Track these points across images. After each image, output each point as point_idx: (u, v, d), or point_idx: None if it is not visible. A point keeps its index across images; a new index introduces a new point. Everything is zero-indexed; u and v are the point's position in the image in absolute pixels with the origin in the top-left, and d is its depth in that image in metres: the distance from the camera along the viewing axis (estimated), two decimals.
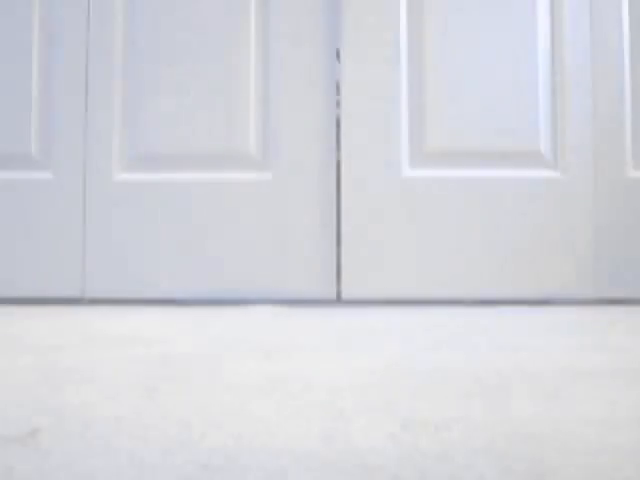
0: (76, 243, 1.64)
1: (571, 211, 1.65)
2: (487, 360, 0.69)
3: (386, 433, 0.38)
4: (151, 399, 0.48)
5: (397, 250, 1.64)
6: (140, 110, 1.64)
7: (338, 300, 1.63)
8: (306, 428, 0.40)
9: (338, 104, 1.67)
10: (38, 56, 1.65)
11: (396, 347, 0.83)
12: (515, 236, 1.64)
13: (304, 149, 1.65)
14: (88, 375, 0.58)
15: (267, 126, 1.65)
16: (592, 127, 1.66)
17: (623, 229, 1.65)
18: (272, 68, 1.67)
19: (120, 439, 0.37)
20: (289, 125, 1.66)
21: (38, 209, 1.63)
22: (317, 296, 1.63)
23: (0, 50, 1.64)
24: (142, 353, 0.73)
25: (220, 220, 1.70)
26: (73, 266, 1.63)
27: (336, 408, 0.45)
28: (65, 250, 1.63)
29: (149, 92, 1.65)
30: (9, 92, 1.63)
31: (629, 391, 0.52)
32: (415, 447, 0.35)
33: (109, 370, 0.61)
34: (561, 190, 1.66)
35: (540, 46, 1.68)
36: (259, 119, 1.66)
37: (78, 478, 0.31)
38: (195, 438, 0.37)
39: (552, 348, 0.80)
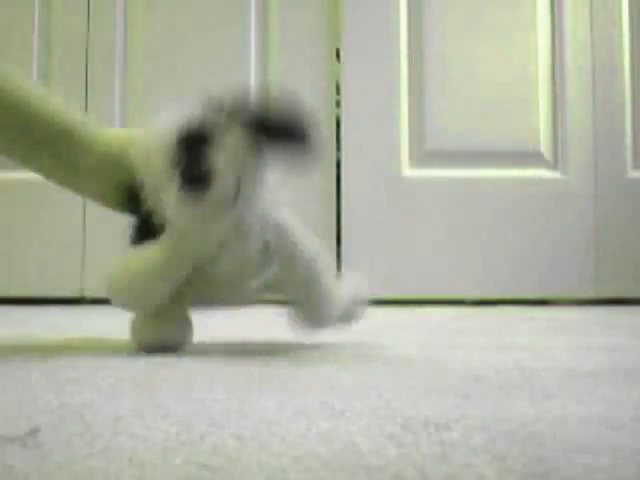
0: (76, 243, 1.64)
1: (571, 211, 1.65)
2: (487, 360, 0.69)
3: (386, 433, 0.38)
4: (151, 399, 0.48)
5: (397, 250, 1.64)
6: (140, 111, 1.64)
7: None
8: (307, 428, 0.40)
9: (338, 104, 1.67)
10: (38, 55, 1.65)
11: (396, 347, 0.83)
12: (515, 236, 1.64)
13: None
14: (88, 375, 0.58)
15: None
16: (592, 127, 1.66)
17: (623, 229, 1.65)
18: (272, 68, 1.67)
19: (120, 439, 0.37)
20: None
21: (39, 209, 1.63)
22: None
23: (0, 50, 1.64)
24: (142, 353, 0.73)
25: None
26: (73, 266, 1.63)
27: (337, 408, 0.45)
28: (65, 250, 1.63)
29: (149, 93, 1.65)
30: None
31: (629, 391, 0.52)
32: (415, 447, 0.35)
33: (109, 370, 0.61)
34: (561, 190, 1.66)
35: (540, 46, 1.67)
36: None
37: (78, 478, 0.31)
38: (195, 438, 0.37)
39: (552, 348, 0.81)
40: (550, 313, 1.38)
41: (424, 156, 1.66)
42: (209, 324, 0.88)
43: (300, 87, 1.66)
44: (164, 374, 0.60)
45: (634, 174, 1.67)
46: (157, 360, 0.68)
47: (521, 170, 1.66)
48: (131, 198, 0.76)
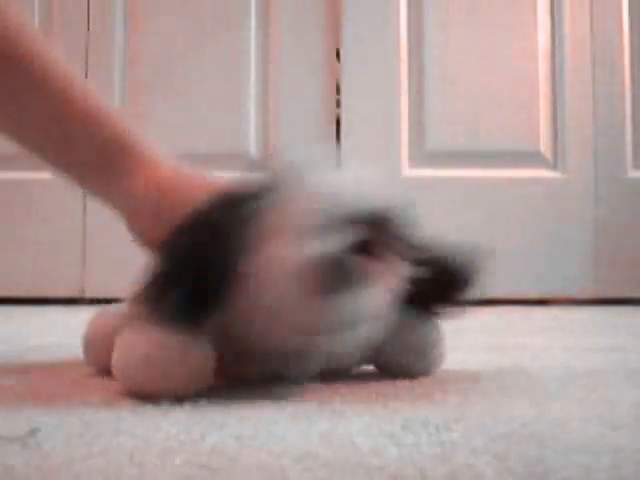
0: (76, 243, 1.64)
1: (571, 211, 1.65)
2: (487, 360, 0.69)
3: (386, 433, 0.38)
4: (151, 399, 0.48)
5: None
6: (139, 111, 1.64)
7: None
8: (307, 428, 0.40)
9: (338, 104, 1.67)
10: None
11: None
12: (515, 236, 1.64)
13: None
14: (88, 375, 0.58)
15: (267, 126, 1.65)
16: (592, 127, 1.66)
17: (623, 229, 1.65)
18: (272, 68, 1.67)
19: (120, 439, 0.37)
20: (289, 125, 1.66)
21: (38, 209, 1.63)
22: None
23: None
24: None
25: None
26: (73, 266, 1.63)
27: (337, 408, 0.45)
28: (65, 250, 1.63)
29: (148, 93, 1.65)
30: None
31: (629, 391, 0.52)
32: (415, 447, 0.35)
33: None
34: (561, 190, 1.66)
35: (540, 46, 1.67)
36: (259, 119, 1.66)
37: (78, 478, 0.31)
38: (195, 438, 0.37)
39: (552, 348, 0.80)
40: (550, 313, 1.38)
41: (424, 156, 1.66)
42: None
43: (300, 87, 1.66)
44: None
45: (634, 174, 1.66)
46: None
47: (521, 170, 1.66)
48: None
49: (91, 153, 0.60)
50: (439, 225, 1.80)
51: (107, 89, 1.64)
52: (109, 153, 0.60)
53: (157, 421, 0.41)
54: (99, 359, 0.58)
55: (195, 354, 0.49)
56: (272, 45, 1.67)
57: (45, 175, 1.66)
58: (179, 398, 0.47)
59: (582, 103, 1.66)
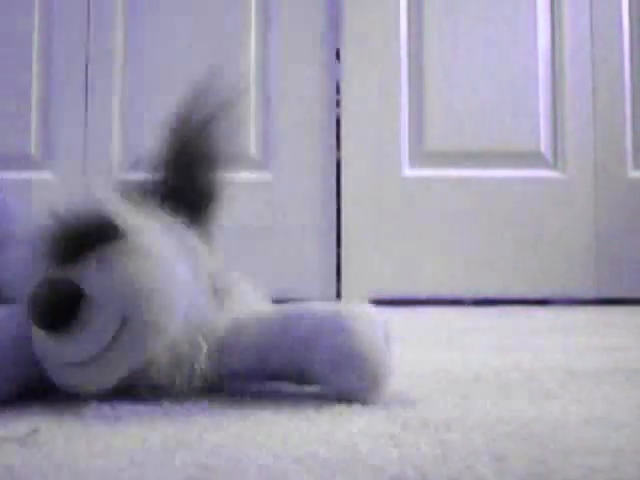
0: None
1: (571, 211, 1.65)
2: (487, 360, 0.69)
3: (386, 433, 0.38)
4: (151, 399, 0.48)
5: (397, 250, 1.64)
6: (140, 110, 1.64)
7: (338, 300, 1.63)
8: (307, 429, 0.40)
9: (338, 104, 1.67)
10: (38, 56, 1.65)
11: (395, 347, 0.83)
12: (515, 236, 1.64)
13: (304, 149, 1.65)
14: None
15: (267, 126, 1.65)
16: (592, 127, 1.66)
17: (623, 229, 1.65)
18: (272, 68, 1.67)
19: (120, 439, 0.37)
20: (289, 125, 1.66)
21: (38, 209, 1.63)
22: (317, 296, 1.63)
23: (0, 50, 1.64)
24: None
25: (219, 220, 1.69)
26: None
27: (337, 408, 0.45)
28: None
29: (149, 93, 1.65)
30: (9, 92, 1.63)
31: (629, 391, 0.52)
32: (415, 447, 0.35)
33: None
34: (561, 190, 1.66)
35: (540, 46, 1.68)
36: (259, 119, 1.66)
37: (78, 478, 0.31)
38: (195, 438, 0.37)
39: (552, 348, 0.80)
40: (550, 313, 1.38)
41: (424, 156, 1.66)
42: None
43: (300, 87, 1.66)
44: None
45: (634, 174, 1.66)
46: None
47: (521, 170, 1.66)
48: None
49: None
50: (439, 225, 1.79)
51: (107, 88, 1.64)
52: None
53: (157, 421, 0.41)
54: None
55: None
56: (272, 45, 1.67)
57: (46, 175, 1.67)
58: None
59: (582, 103, 1.66)
